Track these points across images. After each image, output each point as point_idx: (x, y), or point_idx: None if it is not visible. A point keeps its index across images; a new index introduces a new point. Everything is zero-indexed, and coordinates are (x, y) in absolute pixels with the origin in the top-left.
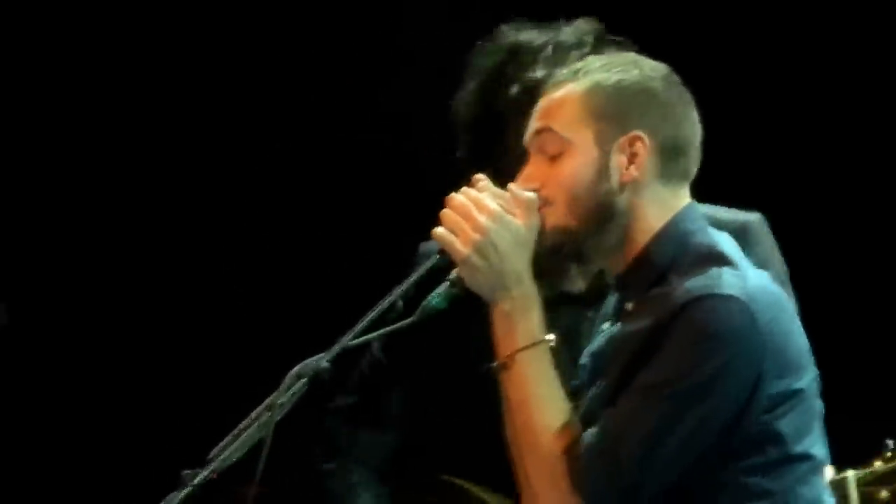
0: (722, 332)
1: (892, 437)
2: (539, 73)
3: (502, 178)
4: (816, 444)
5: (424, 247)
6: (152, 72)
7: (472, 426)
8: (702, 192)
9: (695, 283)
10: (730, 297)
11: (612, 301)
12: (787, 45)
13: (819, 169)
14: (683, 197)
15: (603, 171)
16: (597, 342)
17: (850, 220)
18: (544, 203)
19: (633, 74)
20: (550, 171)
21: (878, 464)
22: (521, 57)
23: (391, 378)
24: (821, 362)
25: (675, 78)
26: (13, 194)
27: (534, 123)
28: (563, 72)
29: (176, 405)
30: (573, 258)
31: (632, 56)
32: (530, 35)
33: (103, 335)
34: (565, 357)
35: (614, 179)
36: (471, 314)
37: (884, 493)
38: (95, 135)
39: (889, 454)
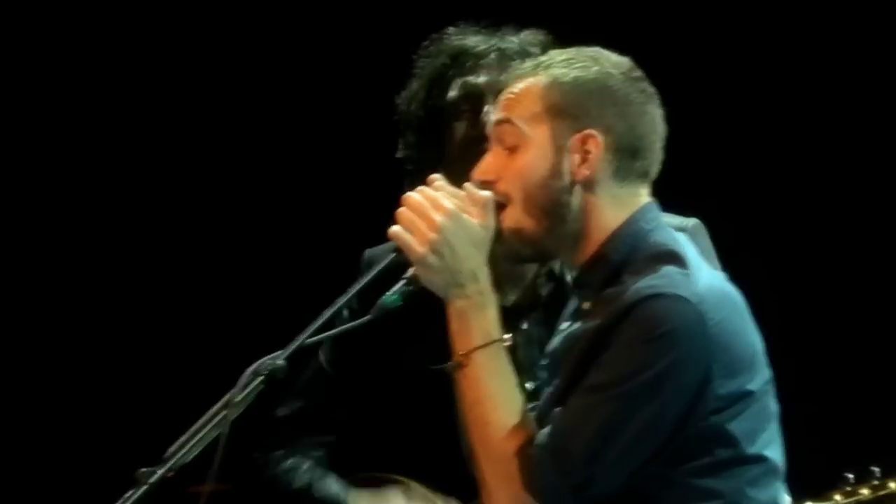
0: (668, 331)
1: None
2: (481, 78)
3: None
4: (770, 447)
5: (368, 253)
6: (150, 72)
7: (425, 426)
8: (700, 191)
9: (644, 283)
10: (677, 297)
11: (572, 300)
12: (781, 47)
13: (815, 169)
14: (642, 196)
15: (556, 168)
16: (555, 341)
17: (847, 221)
18: (502, 201)
19: (591, 71)
20: (508, 164)
21: (865, 492)
22: (464, 61)
23: (335, 385)
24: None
25: (637, 73)
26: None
27: (495, 113)
28: (526, 64)
29: (132, 404)
30: (534, 259)
31: (594, 51)
32: (475, 40)
33: (60, 332)
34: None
35: (566, 177)
36: (424, 315)
37: None
38: (84, 136)
39: (876, 482)
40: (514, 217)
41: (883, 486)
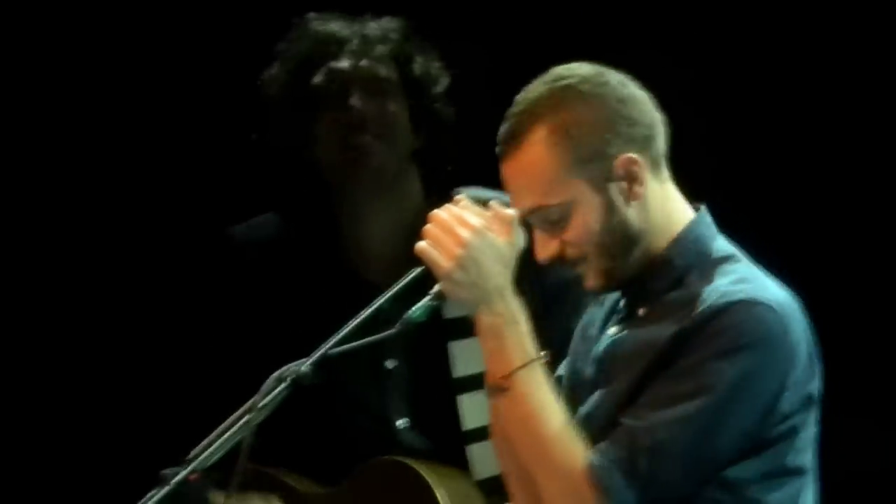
0: (757, 340)
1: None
2: (344, 63)
3: (313, 164)
4: (814, 460)
5: (230, 233)
6: (149, 72)
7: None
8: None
9: (727, 287)
10: (766, 306)
11: (608, 306)
12: (782, 47)
13: (815, 169)
14: (668, 179)
15: (610, 207)
16: (601, 347)
17: (847, 221)
18: (577, 261)
19: (579, 104)
20: (563, 234)
21: None
22: (327, 47)
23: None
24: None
25: (606, 75)
26: None
27: (521, 202)
28: (507, 128)
29: (157, 405)
30: (620, 289)
31: (560, 76)
32: (338, 26)
33: (82, 334)
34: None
35: (623, 207)
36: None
37: None
38: (77, 137)
39: None
40: (595, 268)
41: None
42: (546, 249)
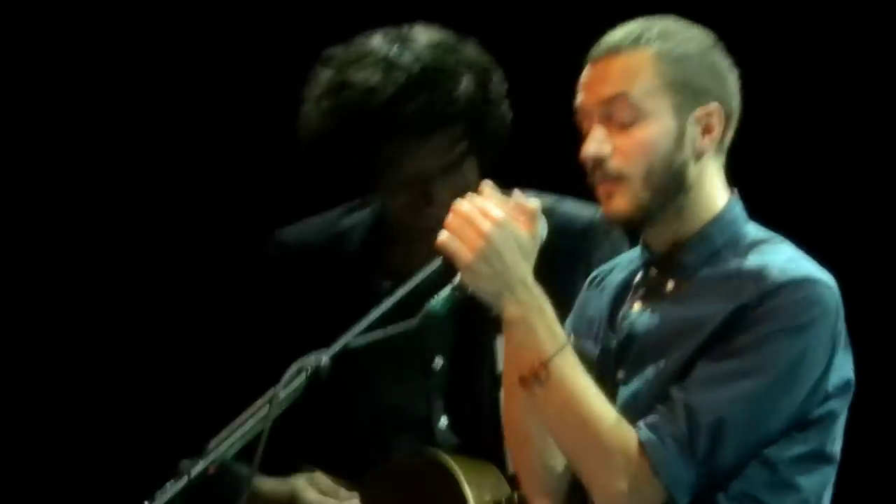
0: (817, 317)
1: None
2: (419, 151)
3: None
4: (840, 447)
5: (279, 236)
6: (150, 72)
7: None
8: None
9: (787, 265)
10: (823, 282)
11: (617, 285)
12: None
13: (817, 168)
14: (722, 168)
15: (679, 141)
16: (631, 323)
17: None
18: (616, 176)
19: (694, 44)
20: (622, 140)
21: None
22: (394, 114)
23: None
24: None
25: (720, 43)
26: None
27: (603, 88)
28: (616, 36)
29: (176, 395)
30: (636, 227)
31: (680, 22)
32: (401, 77)
33: (104, 323)
34: None
35: (688, 150)
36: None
37: None
38: (80, 137)
39: None
40: (633, 192)
41: None
42: (596, 146)
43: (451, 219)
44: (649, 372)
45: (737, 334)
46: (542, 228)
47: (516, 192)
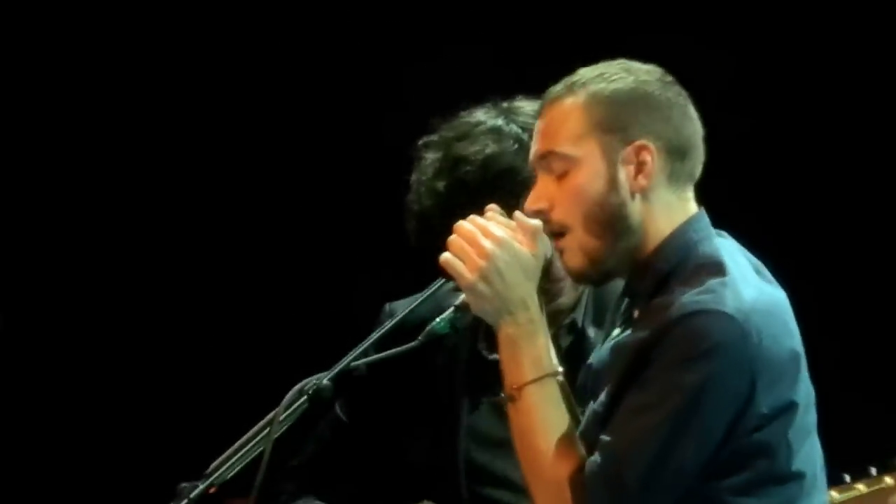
0: (710, 348)
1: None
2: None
3: None
4: (808, 461)
5: (389, 307)
6: (159, 73)
7: (432, 457)
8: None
9: (688, 298)
10: (719, 314)
11: (621, 307)
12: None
13: (818, 169)
14: (690, 199)
15: (612, 183)
16: (604, 350)
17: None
18: (560, 231)
19: (628, 81)
20: (559, 190)
21: (860, 486)
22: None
23: (350, 433)
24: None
25: (670, 78)
26: (6, 201)
27: (536, 146)
28: (556, 87)
29: (175, 418)
30: (600, 282)
31: (622, 62)
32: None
33: (102, 346)
34: None
35: (624, 190)
36: (435, 348)
37: None
38: (87, 140)
39: (871, 478)
40: (576, 241)
41: (879, 480)
42: (537, 199)
43: (453, 239)
44: (598, 400)
45: (643, 368)
46: (545, 247)
47: (518, 214)
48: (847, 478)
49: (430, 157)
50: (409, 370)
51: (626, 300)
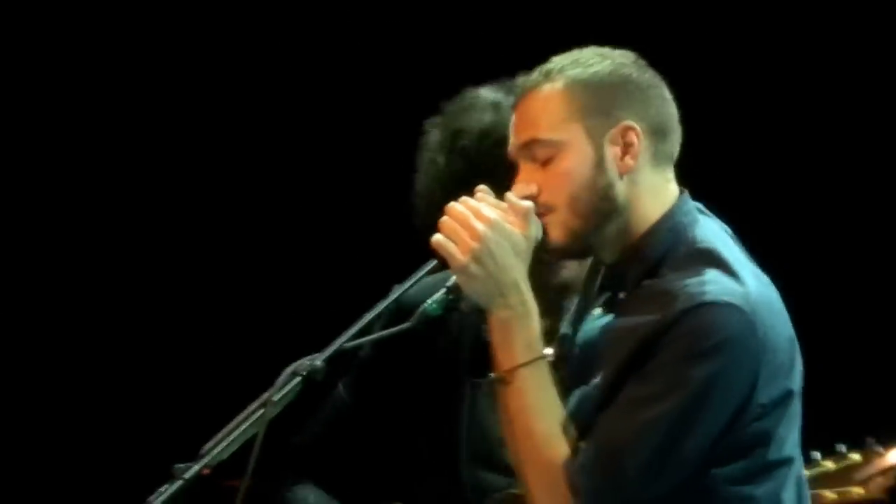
0: (721, 342)
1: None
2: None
3: None
4: (796, 447)
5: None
6: (158, 73)
7: (434, 440)
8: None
9: (693, 287)
10: (730, 306)
11: (597, 287)
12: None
13: (814, 169)
14: (672, 180)
15: (599, 165)
16: (588, 332)
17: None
18: (545, 210)
19: (606, 65)
20: (545, 176)
21: (828, 464)
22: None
23: (353, 413)
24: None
25: (643, 61)
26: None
27: (518, 135)
28: (532, 76)
29: (170, 399)
30: (579, 256)
31: (594, 49)
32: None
33: (97, 329)
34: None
35: (612, 172)
36: (438, 330)
37: (829, 495)
38: (80, 138)
39: (840, 457)
40: (562, 221)
41: (845, 457)
42: (523, 187)
43: (445, 221)
44: (592, 382)
45: (648, 359)
46: (536, 229)
47: (509, 195)
48: (818, 455)
49: (433, 132)
50: (412, 352)
51: (603, 280)
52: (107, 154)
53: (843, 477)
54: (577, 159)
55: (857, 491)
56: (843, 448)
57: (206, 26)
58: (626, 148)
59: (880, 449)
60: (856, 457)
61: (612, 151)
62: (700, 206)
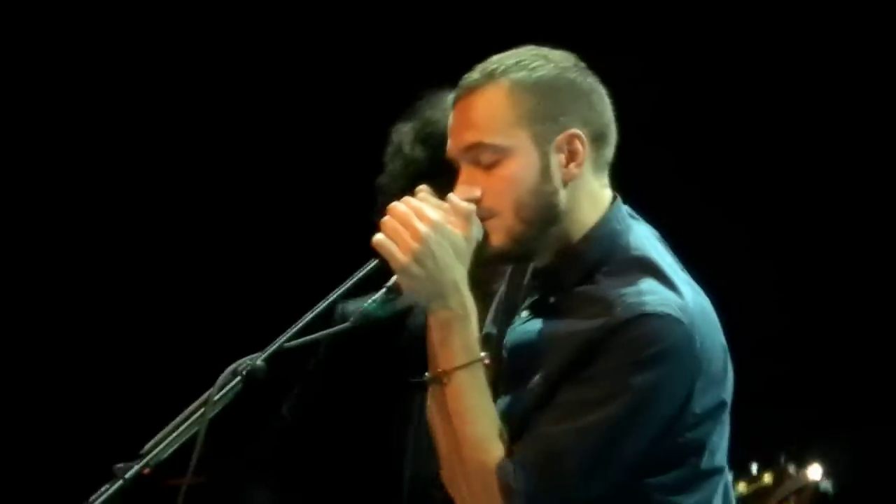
0: (660, 352)
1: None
2: None
3: None
4: (726, 456)
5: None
6: (149, 72)
7: (382, 440)
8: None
9: (632, 298)
10: (670, 318)
11: (523, 289)
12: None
13: (812, 169)
14: (607, 186)
15: (545, 172)
16: (517, 335)
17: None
18: (488, 214)
19: (550, 69)
20: (489, 180)
21: (740, 486)
22: None
23: (309, 420)
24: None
25: (583, 64)
26: None
27: (461, 137)
28: (472, 75)
29: (109, 399)
30: (518, 261)
31: (534, 49)
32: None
33: (36, 328)
34: None
35: (556, 179)
36: (398, 330)
37: None
38: (80, 136)
39: (753, 478)
40: (505, 226)
41: (759, 478)
42: (466, 189)
43: (386, 220)
44: (522, 386)
45: (588, 364)
46: (477, 231)
47: (451, 196)
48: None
49: (403, 125)
50: (369, 352)
51: (533, 282)
52: (63, 154)
53: (756, 500)
54: (522, 166)
55: None
56: (754, 468)
57: (205, 26)
58: (571, 155)
59: (792, 468)
60: (767, 479)
61: (557, 159)
62: (630, 210)
